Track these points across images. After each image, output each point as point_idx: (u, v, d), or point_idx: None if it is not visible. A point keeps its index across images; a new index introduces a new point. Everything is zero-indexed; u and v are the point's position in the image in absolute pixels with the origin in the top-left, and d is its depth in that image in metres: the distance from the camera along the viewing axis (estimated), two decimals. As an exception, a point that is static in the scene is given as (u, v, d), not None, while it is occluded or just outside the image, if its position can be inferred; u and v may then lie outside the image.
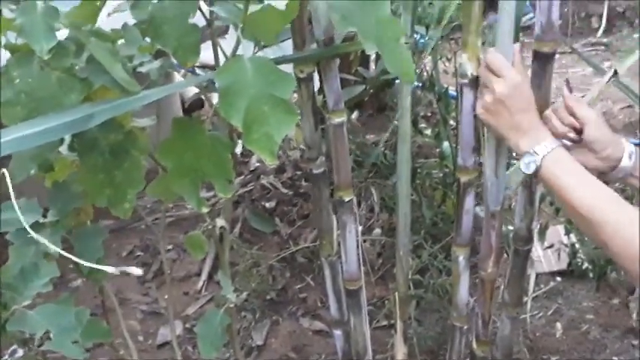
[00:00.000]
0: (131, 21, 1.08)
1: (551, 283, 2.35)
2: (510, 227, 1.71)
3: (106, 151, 1.06)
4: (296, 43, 1.24)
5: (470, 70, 1.17)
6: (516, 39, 2.08)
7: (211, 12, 1.13)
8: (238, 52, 1.06)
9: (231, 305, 1.33)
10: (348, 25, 1.00)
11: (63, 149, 1.09)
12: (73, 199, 1.15)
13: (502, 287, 1.44)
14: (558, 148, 1.11)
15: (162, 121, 1.32)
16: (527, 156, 1.11)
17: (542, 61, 1.18)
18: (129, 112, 1.14)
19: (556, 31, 1.16)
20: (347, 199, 1.36)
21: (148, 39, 1.07)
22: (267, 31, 1.12)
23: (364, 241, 2.41)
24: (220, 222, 1.29)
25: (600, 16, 4.77)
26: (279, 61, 1.15)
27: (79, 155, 1.06)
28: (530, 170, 1.10)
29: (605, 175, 1.17)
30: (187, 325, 2.24)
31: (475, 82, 1.17)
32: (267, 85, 0.96)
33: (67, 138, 1.06)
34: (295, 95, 1.27)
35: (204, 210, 1.08)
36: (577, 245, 2.32)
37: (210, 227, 1.32)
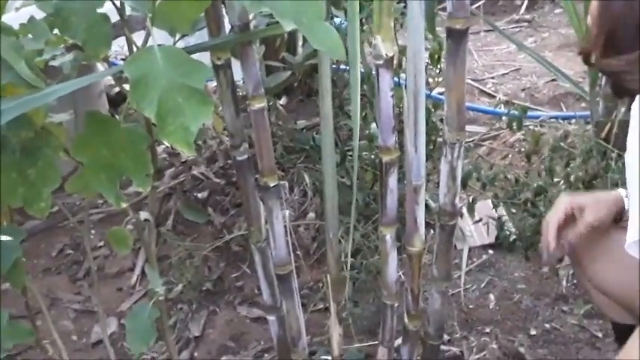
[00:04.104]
0: (40, 15, 1.05)
1: (484, 257, 2.40)
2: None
3: (17, 150, 1.03)
4: (211, 29, 1.22)
5: (384, 51, 1.17)
6: (431, 19, 2.11)
7: (122, 2, 1.11)
8: (150, 43, 1.04)
9: (161, 298, 1.31)
10: (259, 6, 0.97)
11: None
12: (-14, 200, 1.11)
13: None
14: None
15: (80, 116, 1.29)
16: None
17: (455, 38, 1.19)
18: (40, 108, 1.11)
19: (467, 8, 1.17)
20: (272, 185, 1.36)
21: (56, 31, 1.04)
22: (181, 19, 1.10)
23: (298, 226, 2.41)
24: (144, 215, 1.27)
25: (523, -7, 4.87)
26: (192, 49, 1.13)
27: (-12, 155, 1.03)
28: None
29: None
30: (122, 322, 2.21)
31: (390, 63, 1.18)
32: (179, 75, 0.93)
33: (-25, 138, 1.03)
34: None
35: (123, 205, 1.06)
36: (505, 218, 2.38)
37: (136, 221, 1.30)
